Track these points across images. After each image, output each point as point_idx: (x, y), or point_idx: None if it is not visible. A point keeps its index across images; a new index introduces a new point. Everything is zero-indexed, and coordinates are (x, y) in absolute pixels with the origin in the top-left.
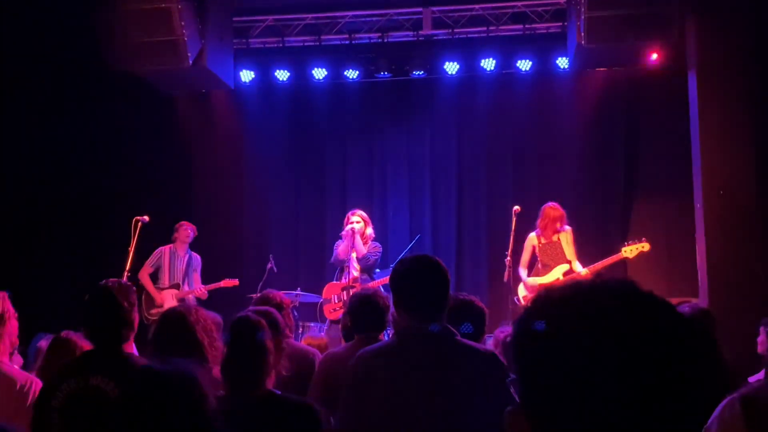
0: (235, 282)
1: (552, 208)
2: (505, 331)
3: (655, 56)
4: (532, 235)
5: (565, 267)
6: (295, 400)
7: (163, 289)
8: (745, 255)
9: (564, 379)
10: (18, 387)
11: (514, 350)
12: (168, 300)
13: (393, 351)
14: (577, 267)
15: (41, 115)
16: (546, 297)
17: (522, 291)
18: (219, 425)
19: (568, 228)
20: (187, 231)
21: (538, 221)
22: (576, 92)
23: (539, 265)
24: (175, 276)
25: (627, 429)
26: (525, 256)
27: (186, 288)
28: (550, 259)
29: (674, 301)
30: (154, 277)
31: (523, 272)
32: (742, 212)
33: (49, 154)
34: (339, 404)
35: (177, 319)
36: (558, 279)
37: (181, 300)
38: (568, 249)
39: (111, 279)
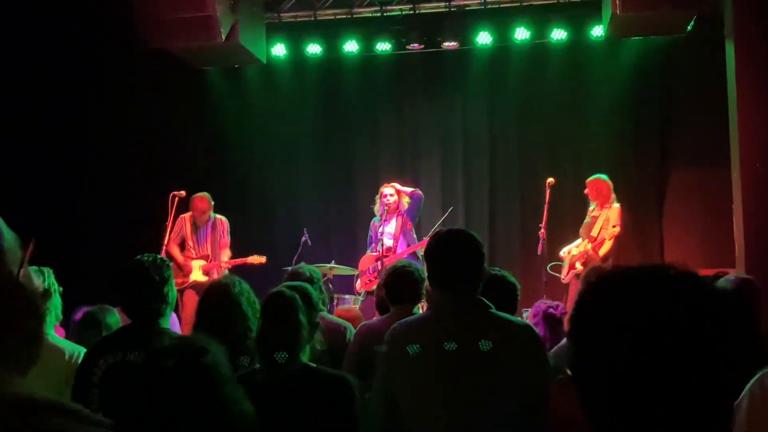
0: (263, 260)
1: (604, 182)
2: (547, 303)
3: (691, 25)
4: (591, 207)
5: (583, 242)
6: (330, 373)
7: (189, 258)
8: None
9: (616, 354)
10: (66, 357)
11: (575, 324)
12: (195, 270)
13: (427, 324)
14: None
15: (78, 91)
16: (607, 277)
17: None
18: (244, 400)
19: (616, 205)
20: (197, 205)
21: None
22: (610, 62)
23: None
24: (200, 247)
25: (665, 401)
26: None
27: (216, 259)
28: (584, 232)
29: (711, 272)
30: (183, 247)
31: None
32: None
33: (86, 129)
34: (375, 377)
35: (221, 293)
36: (581, 251)
37: (207, 273)
38: (607, 225)
39: (146, 254)
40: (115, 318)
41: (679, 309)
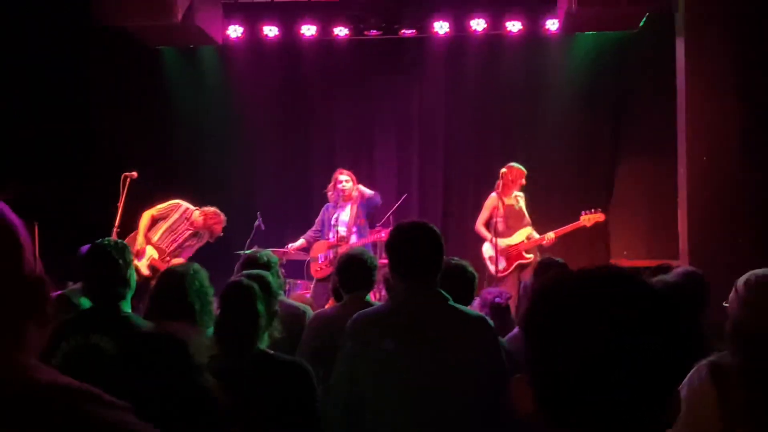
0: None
1: (512, 169)
2: (492, 292)
3: (643, 21)
4: (493, 195)
5: (528, 230)
6: (288, 360)
7: (148, 242)
8: (725, 221)
9: (564, 355)
10: None
11: (528, 329)
12: (144, 258)
13: (388, 315)
14: (534, 234)
15: (34, 66)
16: (560, 282)
17: (487, 250)
18: (209, 384)
19: (520, 192)
20: (215, 229)
21: (502, 182)
22: (565, 55)
23: (502, 227)
24: (171, 240)
25: (611, 394)
26: (484, 215)
27: (171, 261)
28: (514, 221)
29: (654, 263)
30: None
31: (483, 231)
32: (725, 179)
33: (39, 105)
34: (334, 365)
35: (173, 279)
36: (523, 242)
37: (150, 268)
38: (526, 212)
39: (108, 237)
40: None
41: (621, 311)
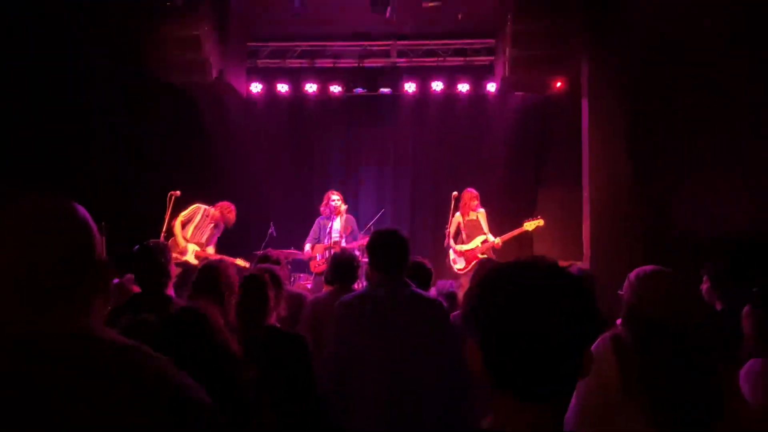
0: (247, 264)
1: (469, 192)
2: (445, 284)
3: (559, 85)
4: (458, 214)
5: (482, 238)
6: (291, 333)
7: (186, 240)
8: (618, 232)
9: (507, 322)
10: None
11: (477, 303)
12: (189, 253)
13: (367, 298)
14: (491, 238)
15: (95, 113)
16: (498, 269)
17: (451, 255)
18: (230, 347)
19: (482, 210)
20: (227, 218)
21: (460, 203)
22: (501, 109)
23: (463, 236)
24: (201, 234)
25: (542, 354)
26: (452, 229)
27: (206, 250)
28: (473, 231)
29: (565, 263)
30: (184, 227)
31: (451, 241)
32: (618, 201)
33: (102, 143)
34: (326, 337)
35: (211, 273)
36: (477, 246)
37: (200, 258)
38: (485, 224)
39: (152, 240)
40: None
41: (548, 288)
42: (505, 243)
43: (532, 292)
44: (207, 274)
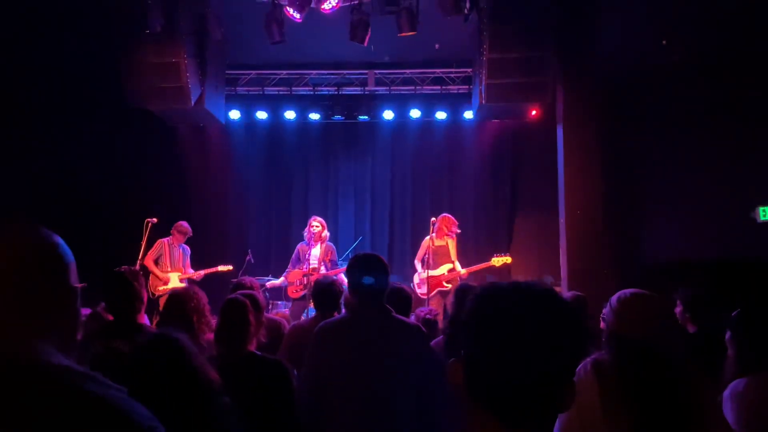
0: (230, 267)
1: (445, 218)
2: (424, 310)
3: (534, 112)
4: (427, 237)
5: (449, 266)
6: (271, 359)
7: (166, 272)
8: (594, 255)
9: (492, 343)
10: None
11: (467, 326)
12: (173, 280)
13: (346, 323)
14: (458, 267)
15: (74, 138)
16: (494, 289)
17: (416, 278)
18: (208, 376)
19: (454, 236)
20: (186, 230)
21: (436, 227)
22: (478, 136)
23: (430, 261)
24: (175, 263)
25: (529, 380)
26: (420, 253)
27: (187, 271)
28: (440, 258)
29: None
30: (156, 262)
31: (418, 264)
32: (593, 225)
33: (80, 169)
34: (304, 362)
35: (178, 299)
36: (443, 274)
37: (184, 280)
38: (453, 252)
39: (123, 266)
40: None
41: (536, 314)
42: (480, 270)
43: (525, 318)
44: (173, 300)
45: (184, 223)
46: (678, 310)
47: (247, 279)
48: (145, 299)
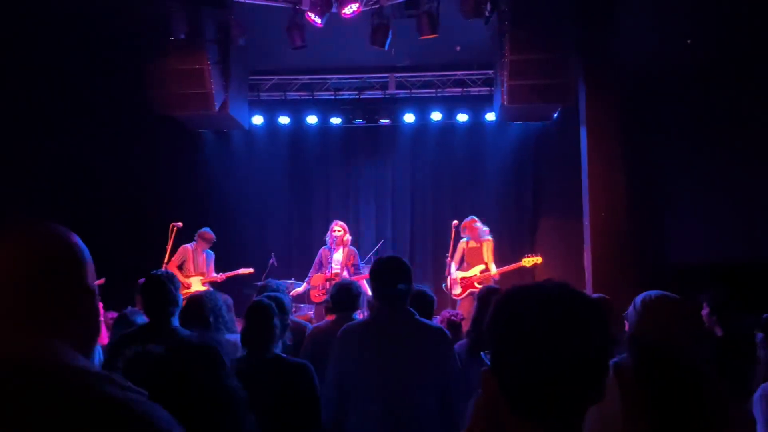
0: (251, 270)
1: (474, 221)
2: (450, 312)
3: (556, 114)
4: (463, 240)
5: (481, 267)
6: (296, 361)
7: (189, 276)
8: (619, 258)
9: (523, 348)
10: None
11: (492, 331)
12: (195, 284)
13: (369, 325)
14: (492, 268)
15: (99, 144)
16: (520, 292)
17: (449, 280)
18: (233, 380)
19: (490, 238)
20: (210, 238)
21: (467, 231)
22: (499, 139)
23: (465, 264)
24: (198, 267)
25: (558, 384)
26: (457, 256)
27: (210, 275)
28: (473, 260)
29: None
30: (180, 267)
31: (452, 266)
32: (617, 227)
33: (108, 175)
34: (329, 364)
35: (195, 302)
36: (476, 275)
37: (206, 283)
38: (488, 254)
39: (160, 270)
40: (142, 318)
41: (568, 317)
42: (507, 272)
43: (556, 317)
44: (192, 304)
45: (208, 230)
46: (704, 312)
47: (273, 282)
48: (180, 303)
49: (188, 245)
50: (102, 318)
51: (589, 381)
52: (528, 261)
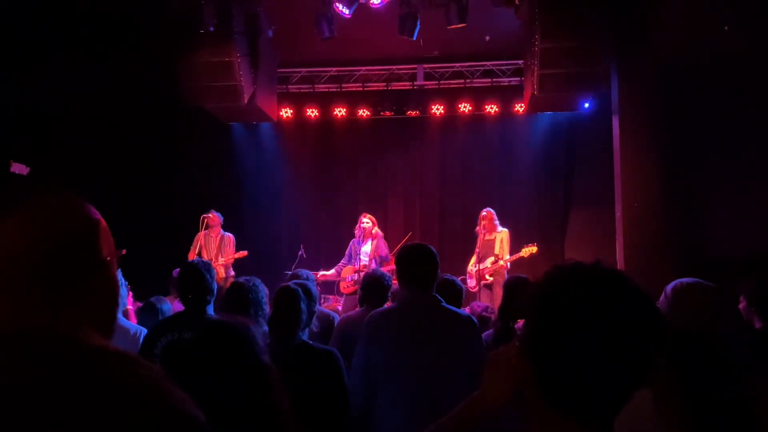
0: (245, 253)
1: (489, 212)
2: (481, 305)
3: (588, 104)
4: (483, 233)
5: (491, 259)
6: (323, 348)
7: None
8: (652, 250)
9: (560, 329)
10: (131, 334)
11: (532, 313)
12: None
13: (395, 312)
14: (506, 257)
15: (137, 138)
16: (554, 275)
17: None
18: (267, 360)
19: (504, 230)
20: (214, 220)
21: (484, 223)
22: (530, 129)
23: (480, 256)
24: (209, 253)
25: (596, 373)
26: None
27: (218, 260)
28: (486, 252)
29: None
30: (199, 255)
31: (473, 259)
32: (651, 219)
33: (142, 165)
34: (356, 351)
35: (240, 289)
36: (487, 267)
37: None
38: (503, 246)
39: (197, 258)
40: (168, 306)
41: (618, 309)
42: (526, 262)
43: (599, 300)
44: (235, 292)
45: (210, 213)
46: (742, 305)
47: (303, 272)
48: (215, 292)
49: (201, 233)
50: (131, 307)
51: (641, 376)
52: (525, 251)
